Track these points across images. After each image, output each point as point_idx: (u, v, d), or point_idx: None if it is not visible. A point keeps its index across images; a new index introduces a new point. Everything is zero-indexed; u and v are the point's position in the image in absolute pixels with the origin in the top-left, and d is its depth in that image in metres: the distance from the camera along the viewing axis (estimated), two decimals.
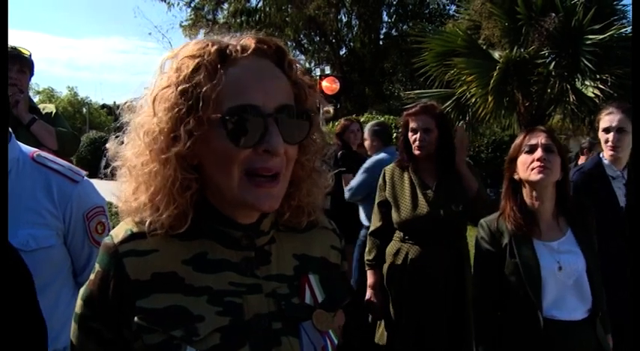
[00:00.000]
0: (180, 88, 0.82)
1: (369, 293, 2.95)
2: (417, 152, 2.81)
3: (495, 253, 2.08)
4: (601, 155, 2.93)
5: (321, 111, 0.96)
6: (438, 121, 2.82)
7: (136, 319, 0.85)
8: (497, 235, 2.10)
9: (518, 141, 2.12)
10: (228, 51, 0.85)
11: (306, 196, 0.97)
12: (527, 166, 2.04)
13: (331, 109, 0.99)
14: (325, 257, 1.03)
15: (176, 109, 0.82)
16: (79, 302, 0.93)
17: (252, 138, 0.82)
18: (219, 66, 0.83)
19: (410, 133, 2.84)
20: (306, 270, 0.98)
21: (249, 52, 0.85)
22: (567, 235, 2.08)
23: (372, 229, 3.02)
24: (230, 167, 0.83)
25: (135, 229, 0.89)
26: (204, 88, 0.81)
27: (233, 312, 0.87)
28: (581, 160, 6.05)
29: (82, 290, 0.94)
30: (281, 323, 0.90)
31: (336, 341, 0.96)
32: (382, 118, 10.31)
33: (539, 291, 1.98)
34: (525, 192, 2.09)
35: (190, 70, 0.83)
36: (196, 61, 0.83)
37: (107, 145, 0.93)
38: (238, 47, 0.85)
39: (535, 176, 2.01)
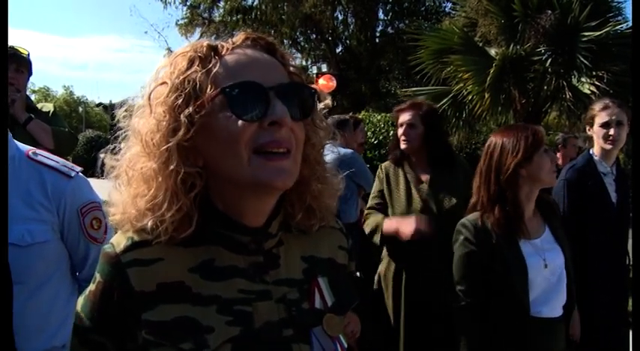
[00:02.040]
0: (176, 81, 0.81)
1: (408, 232, 2.65)
2: (402, 146, 2.88)
3: (481, 253, 2.04)
4: (591, 151, 2.95)
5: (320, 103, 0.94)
6: (424, 117, 2.85)
7: (142, 333, 0.81)
8: (482, 235, 2.05)
9: (532, 138, 2.05)
10: (220, 46, 0.85)
11: (317, 197, 0.94)
12: (549, 169, 2.04)
13: (329, 100, 0.97)
14: (333, 258, 1.01)
15: (172, 98, 0.80)
16: (79, 315, 0.89)
17: (256, 111, 0.80)
18: (212, 55, 0.84)
19: (398, 129, 2.92)
20: (315, 273, 0.95)
21: (239, 43, 0.86)
22: (546, 231, 2.11)
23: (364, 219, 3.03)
24: (237, 147, 0.80)
25: (136, 237, 0.85)
26: (200, 74, 0.81)
27: (243, 321, 0.84)
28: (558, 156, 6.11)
29: (81, 301, 0.90)
30: (292, 330, 0.88)
31: (346, 345, 0.94)
32: (379, 116, 10.32)
33: (527, 289, 1.98)
34: (523, 192, 2.06)
35: (184, 64, 0.82)
36: (189, 55, 0.83)
37: (102, 156, 0.90)
38: (229, 41, 0.87)
39: (555, 179, 2.07)
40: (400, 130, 2.90)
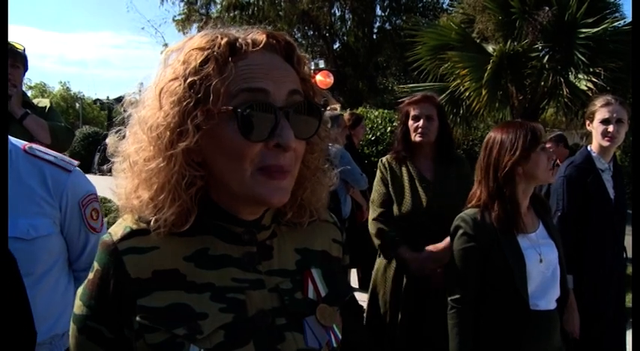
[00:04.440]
0: (188, 80, 0.80)
1: (415, 267, 2.71)
2: (418, 139, 2.81)
3: (479, 249, 2.07)
4: (589, 148, 2.94)
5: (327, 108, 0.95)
6: (439, 111, 2.85)
7: (137, 318, 0.83)
8: (481, 229, 2.07)
9: (530, 136, 2.06)
10: (238, 44, 0.83)
11: (309, 195, 0.95)
12: (546, 167, 2.05)
13: (338, 106, 1.00)
14: (327, 251, 1.02)
15: (184, 103, 0.80)
16: (77, 303, 0.91)
17: (263, 131, 0.80)
18: (229, 58, 0.81)
19: (411, 121, 2.84)
20: (308, 264, 0.97)
21: (259, 46, 0.83)
22: (540, 226, 2.14)
23: (374, 216, 2.92)
24: (241, 162, 0.81)
25: (134, 227, 0.88)
26: (214, 81, 0.79)
27: (236, 308, 0.86)
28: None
29: (80, 290, 0.92)
30: (285, 319, 0.89)
31: (340, 336, 0.96)
32: (376, 112, 10.33)
33: (526, 284, 2.00)
34: (519, 188, 2.08)
35: (199, 62, 0.80)
36: (205, 53, 0.81)
37: (107, 140, 0.91)
38: (249, 40, 0.83)
39: (552, 177, 2.07)
40: (417, 123, 2.81)
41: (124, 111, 0.90)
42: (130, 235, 0.87)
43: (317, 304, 0.93)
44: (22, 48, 2.78)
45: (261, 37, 0.84)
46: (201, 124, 0.80)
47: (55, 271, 1.53)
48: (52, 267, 1.52)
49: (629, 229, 2.95)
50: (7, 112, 1.32)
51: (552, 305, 2.08)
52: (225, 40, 0.82)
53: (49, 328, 1.49)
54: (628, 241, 2.97)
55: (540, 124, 2.15)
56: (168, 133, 0.81)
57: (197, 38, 0.85)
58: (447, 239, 2.46)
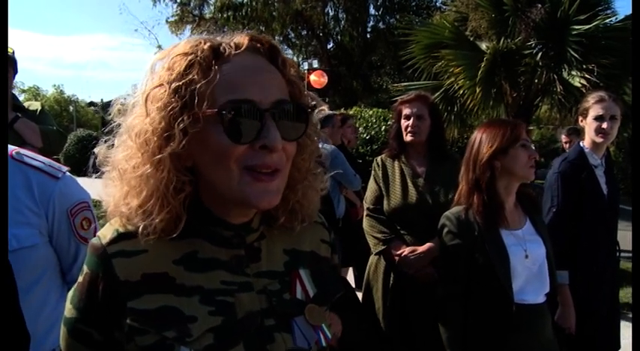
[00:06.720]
0: (173, 85, 0.80)
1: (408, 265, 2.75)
2: (409, 138, 2.84)
3: (465, 246, 2.09)
4: (581, 144, 2.94)
5: (315, 110, 0.95)
6: (431, 110, 2.87)
7: (127, 320, 0.83)
8: (465, 227, 2.11)
9: (509, 132, 2.10)
10: (221, 48, 0.83)
11: (301, 199, 0.96)
12: (525, 163, 2.07)
13: (326, 107, 1.00)
14: (315, 251, 1.03)
15: (169, 108, 0.80)
16: (67, 306, 0.91)
17: (249, 134, 0.80)
18: (213, 62, 0.81)
19: (403, 120, 2.87)
20: (296, 265, 0.97)
21: (242, 49, 0.84)
22: (527, 223, 2.16)
23: (366, 213, 2.98)
24: (227, 164, 0.81)
25: (122, 230, 0.88)
26: (198, 85, 0.79)
27: (225, 311, 0.87)
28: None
29: (70, 293, 0.92)
30: (273, 319, 0.90)
31: (329, 335, 0.96)
32: (371, 111, 10.34)
33: (510, 279, 2.03)
34: (501, 184, 2.12)
35: (183, 67, 0.81)
36: (189, 58, 0.82)
37: (96, 150, 0.91)
38: (232, 44, 0.84)
39: (532, 174, 2.09)
40: (408, 122, 2.85)
41: (112, 121, 0.89)
42: (119, 238, 0.87)
43: (305, 304, 0.94)
44: (12, 51, 2.76)
45: (244, 41, 0.85)
46: (188, 128, 0.80)
47: (43, 284, 1.45)
48: (38, 280, 1.43)
49: (622, 225, 2.96)
50: (7, 114, 1.27)
51: (541, 299, 2.11)
52: (208, 44, 0.83)
53: (34, 346, 1.35)
54: (620, 236, 2.99)
55: (523, 122, 2.18)
56: (155, 138, 0.81)
57: (181, 45, 0.85)
58: (429, 244, 2.63)
